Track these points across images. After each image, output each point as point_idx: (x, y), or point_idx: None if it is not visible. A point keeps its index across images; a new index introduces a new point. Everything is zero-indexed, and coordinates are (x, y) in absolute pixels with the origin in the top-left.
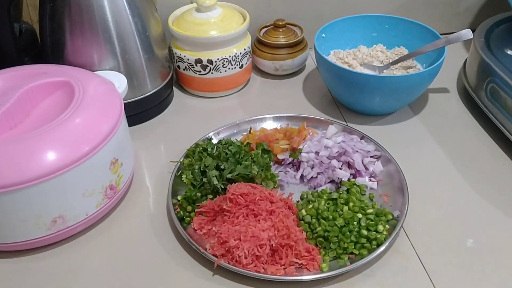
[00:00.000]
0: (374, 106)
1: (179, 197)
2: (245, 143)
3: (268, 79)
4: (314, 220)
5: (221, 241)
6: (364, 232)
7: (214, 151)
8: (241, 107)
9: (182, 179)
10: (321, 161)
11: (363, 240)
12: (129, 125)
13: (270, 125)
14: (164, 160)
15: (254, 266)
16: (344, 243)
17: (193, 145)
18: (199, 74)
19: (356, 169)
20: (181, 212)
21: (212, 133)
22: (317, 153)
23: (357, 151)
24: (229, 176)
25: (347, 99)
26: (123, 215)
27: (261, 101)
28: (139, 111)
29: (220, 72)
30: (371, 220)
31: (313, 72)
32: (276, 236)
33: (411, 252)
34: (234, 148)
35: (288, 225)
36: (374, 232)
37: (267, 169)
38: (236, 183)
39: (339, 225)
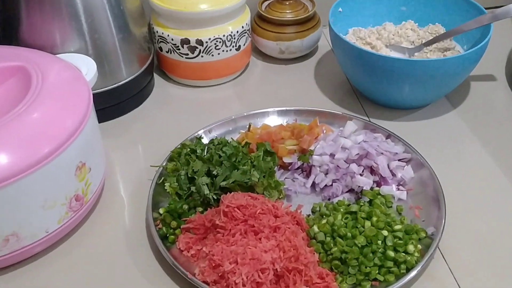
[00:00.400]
0: (403, 97)
1: (161, 210)
2: (243, 143)
3: (271, 64)
4: (328, 239)
5: (213, 264)
6: (391, 253)
7: (205, 153)
8: (238, 98)
9: (165, 187)
10: (337, 166)
11: (390, 264)
12: (100, 121)
13: (274, 121)
14: (143, 165)
15: None
16: (366, 267)
17: (179, 146)
18: (186, 58)
19: (381, 175)
20: (164, 229)
21: (202, 130)
22: (332, 155)
23: (382, 153)
24: (223, 184)
25: (370, 88)
26: (92, 232)
27: (263, 91)
28: (111, 104)
29: (212, 55)
30: (399, 239)
31: (327, 55)
32: (281, 258)
33: (448, 277)
34: (229, 149)
35: (297, 245)
36: (403, 254)
37: (270, 175)
38: (232, 193)
39: (359, 245)
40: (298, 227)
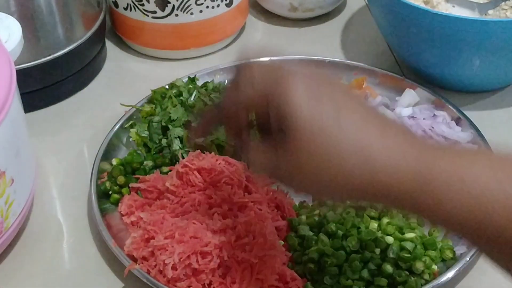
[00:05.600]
0: (471, 75)
1: (114, 161)
2: None
3: (278, 27)
4: (310, 234)
5: (147, 236)
6: (389, 268)
7: (191, 99)
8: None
9: (130, 134)
10: None
11: (383, 282)
12: (27, 110)
13: None
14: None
15: (188, 287)
16: (348, 280)
17: (167, 86)
18: (154, 17)
19: None
20: (107, 184)
21: (205, 72)
22: None
23: (432, 137)
24: (199, 140)
25: (422, 63)
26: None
27: None
28: (44, 85)
29: (192, 13)
30: (408, 252)
31: (360, 14)
32: (232, 244)
33: None
34: (219, 97)
35: (256, 231)
36: (406, 273)
37: None
38: (197, 151)
39: (348, 249)
40: (276, 212)
